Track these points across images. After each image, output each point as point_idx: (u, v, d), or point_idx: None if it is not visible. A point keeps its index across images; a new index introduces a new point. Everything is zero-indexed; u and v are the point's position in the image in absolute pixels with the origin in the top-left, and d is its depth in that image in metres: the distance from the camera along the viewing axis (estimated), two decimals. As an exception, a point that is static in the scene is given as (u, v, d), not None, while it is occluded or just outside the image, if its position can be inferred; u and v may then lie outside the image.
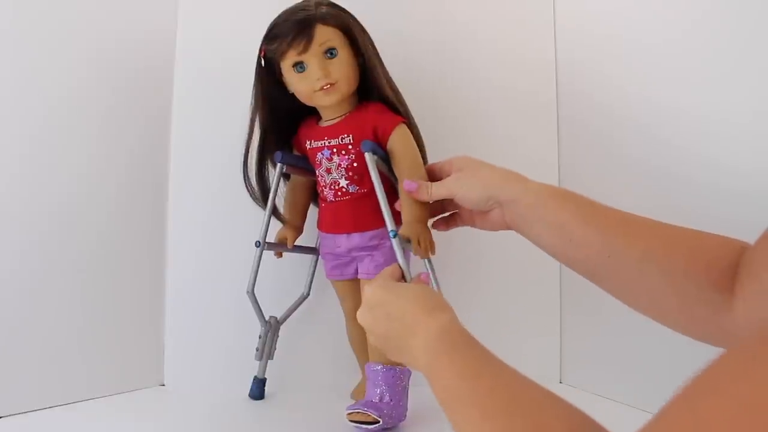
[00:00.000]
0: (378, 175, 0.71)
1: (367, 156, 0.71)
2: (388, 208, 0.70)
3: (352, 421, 0.70)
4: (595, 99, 0.91)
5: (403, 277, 0.65)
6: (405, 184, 0.69)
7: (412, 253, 0.70)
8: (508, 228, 0.62)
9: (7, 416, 0.73)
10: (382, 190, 0.71)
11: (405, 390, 0.74)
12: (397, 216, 0.72)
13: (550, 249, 0.58)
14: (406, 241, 0.69)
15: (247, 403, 0.83)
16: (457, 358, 0.44)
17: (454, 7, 0.97)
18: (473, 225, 0.68)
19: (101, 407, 0.80)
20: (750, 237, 0.47)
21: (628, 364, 0.81)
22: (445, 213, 0.71)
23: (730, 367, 0.23)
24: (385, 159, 0.75)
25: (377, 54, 0.76)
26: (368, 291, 0.57)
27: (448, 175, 0.67)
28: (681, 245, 0.50)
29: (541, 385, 0.38)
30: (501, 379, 0.40)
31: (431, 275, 0.72)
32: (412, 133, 0.75)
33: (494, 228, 0.64)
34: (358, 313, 0.58)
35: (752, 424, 0.20)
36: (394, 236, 0.68)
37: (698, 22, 0.74)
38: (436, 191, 0.66)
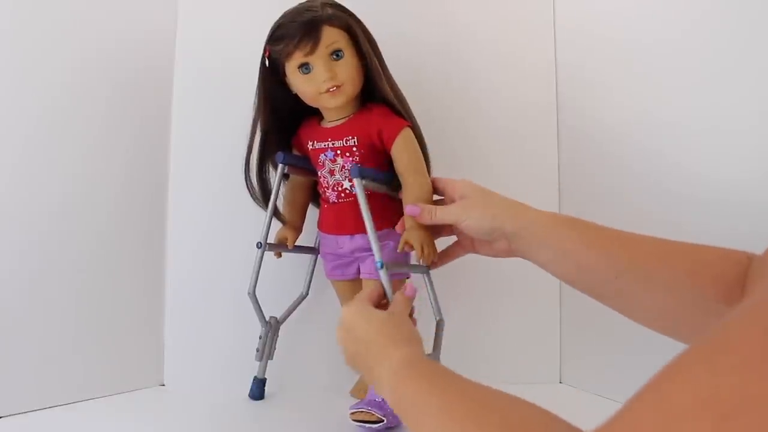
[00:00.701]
0: (366, 201, 0.70)
1: (356, 182, 0.70)
2: (376, 237, 0.69)
3: (355, 420, 0.70)
4: (595, 99, 0.91)
5: (384, 296, 0.66)
6: (407, 209, 0.69)
7: (414, 259, 0.70)
8: (513, 256, 0.64)
9: (7, 416, 0.73)
10: (370, 217, 0.69)
11: (406, 390, 0.74)
12: (396, 218, 0.73)
13: (558, 274, 0.60)
14: (409, 247, 0.69)
15: (247, 403, 0.83)
16: (422, 379, 0.46)
17: (454, 8, 0.97)
18: (474, 252, 0.69)
19: (101, 407, 0.80)
20: (750, 243, 0.48)
21: (628, 364, 0.81)
22: (442, 235, 0.72)
23: (696, 356, 0.24)
24: (377, 179, 0.74)
25: (380, 56, 0.76)
26: (345, 312, 0.60)
27: (451, 198, 0.68)
28: (684, 261, 0.51)
29: (509, 394, 0.39)
30: (469, 389, 0.42)
31: (428, 285, 0.72)
32: (416, 136, 0.76)
33: (498, 255, 0.66)
34: (336, 330, 0.60)
35: (713, 407, 0.21)
36: (381, 267, 0.67)
37: (700, 22, 0.74)
38: (440, 216, 0.66)
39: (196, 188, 0.92)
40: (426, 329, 0.70)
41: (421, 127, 0.79)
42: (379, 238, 0.75)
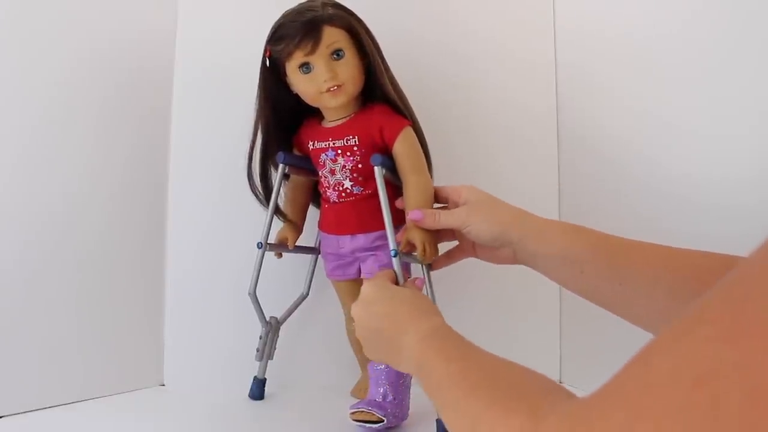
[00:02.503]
0: (386, 192, 0.71)
1: (377, 170, 0.71)
2: (392, 226, 0.70)
3: (356, 420, 0.70)
4: (595, 100, 0.91)
5: (396, 283, 0.66)
6: (411, 214, 0.69)
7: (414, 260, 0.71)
8: (515, 263, 0.64)
9: (7, 416, 0.73)
10: (389, 208, 0.71)
11: (407, 389, 0.74)
12: (399, 216, 0.73)
13: (562, 281, 0.61)
14: (411, 246, 0.69)
15: (247, 403, 0.83)
16: (446, 347, 0.48)
17: (453, 8, 0.97)
18: (475, 257, 0.69)
19: (101, 407, 0.80)
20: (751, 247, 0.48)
21: (628, 364, 0.81)
22: (443, 240, 0.72)
23: (677, 328, 0.26)
24: (392, 169, 0.75)
25: (382, 55, 0.77)
26: (366, 287, 0.60)
27: (455, 205, 0.68)
28: (687, 267, 0.52)
29: (523, 366, 0.41)
30: (487, 358, 0.44)
31: (427, 281, 0.73)
32: (417, 135, 0.76)
33: (500, 262, 0.67)
34: (352, 306, 0.60)
35: (690, 372, 0.23)
36: (395, 255, 0.68)
37: (701, 22, 0.74)
38: (444, 220, 0.67)
39: (196, 188, 0.92)
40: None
41: (421, 127, 0.79)
42: (381, 238, 0.75)
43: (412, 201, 0.71)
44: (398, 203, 0.74)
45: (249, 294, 0.79)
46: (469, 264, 0.74)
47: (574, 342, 0.94)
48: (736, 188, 0.69)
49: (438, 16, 0.97)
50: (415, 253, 0.70)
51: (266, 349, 0.83)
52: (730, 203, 0.69)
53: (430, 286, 0.74)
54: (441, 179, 0.79)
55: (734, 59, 0.69)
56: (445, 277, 0.77)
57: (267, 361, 0.84)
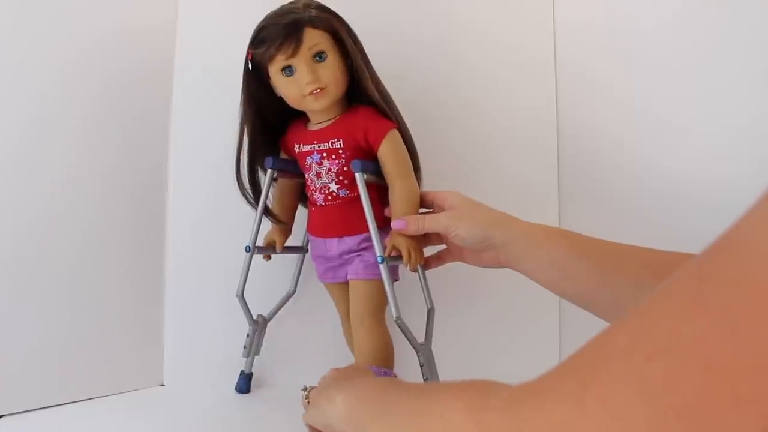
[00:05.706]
0: (368, 198, 0.71)
1: (358, 176, 0.72)
2: (377, 232, 0.71)
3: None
4: (595, 99, 0.91)
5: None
6: (394, 224, 0.70)
7: (401, 266, 0.71)
8: (501, 266, 0.65)
9: (6, 416, 0.73)
10: (372, 214, 0.71)
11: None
12: (385, 220, 0.73)
13: (547, 284, 0.61)
14: (396, 252, 0.70)
15: (247, 403, 0.83)
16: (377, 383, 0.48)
17: (451, 7, 0.97)
18: (463, 260, 0.70)
19: (101, 407, 0.80)
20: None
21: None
22: (430, 244, 0.73)
23: (637, 309, 0.26)
24: (375, 172, 0.75)
25: (366, 57, 0.76)
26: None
27: (441, 209, 0.69)
28: (672, 270, 0.51)
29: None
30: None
31: (422, 281, 0.74)
32: (403, 137, 0.75)
33: (486, 265, 0.67)
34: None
35: (644, 347, 0.24)
36: (382, 261, 0.69)
37: (701, 21, 0.74)
38: (429, 225, 0.67)
39: (196, 188, 0.92)
40: (420, 319, 0.71)
41: (419, 128, 0.78)
42: (367, 239, 0.75)
43: (398, 207, 0.72)
44: (387, 212, 0.74)
45: (237, 296, 0.79)
46: (467, 264, 0.74)
47: (574, 342, 0.93)
48: (736, 188, 0.69)
49: (436, 16, 0.96)
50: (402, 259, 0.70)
51: (252, 346, 0.84)
52: (730, 203, 0.69)
53: (427, 287, 0.74)
54: (440, 180, 0.79)
55: (734, 59, 0.69)
56: (444, 278, 0.77)
57: (254, 357, 0.85)
